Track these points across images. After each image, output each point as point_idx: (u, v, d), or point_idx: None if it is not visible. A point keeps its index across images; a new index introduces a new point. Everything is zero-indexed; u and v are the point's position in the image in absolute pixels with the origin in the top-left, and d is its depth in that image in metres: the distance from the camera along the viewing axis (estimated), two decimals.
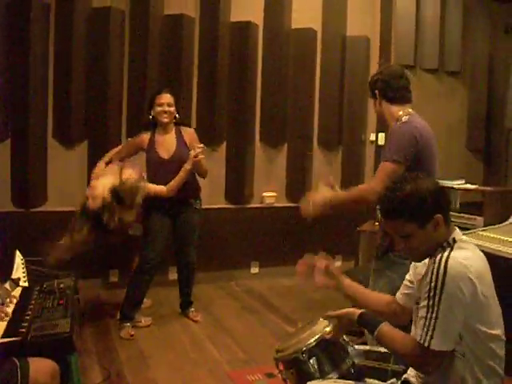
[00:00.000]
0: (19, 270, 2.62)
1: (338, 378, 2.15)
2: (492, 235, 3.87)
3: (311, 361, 2.16)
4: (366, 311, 2.16)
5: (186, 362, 4.00)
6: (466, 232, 3.93)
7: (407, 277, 2.32)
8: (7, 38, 4.99)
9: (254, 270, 6.05)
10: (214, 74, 5.68)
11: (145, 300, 4.71)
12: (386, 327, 2.05)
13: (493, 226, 4.15)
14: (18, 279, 2.53)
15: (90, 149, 5.38)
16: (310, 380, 2.15)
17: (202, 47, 5.70)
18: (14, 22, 5.00)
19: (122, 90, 5.44)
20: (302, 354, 2.17)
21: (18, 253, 2.75)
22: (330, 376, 2.16)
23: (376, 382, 2.19)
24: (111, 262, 5.47)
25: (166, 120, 4.48)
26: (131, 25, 5.44)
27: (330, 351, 2.20)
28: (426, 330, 1.90)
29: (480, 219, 4.41)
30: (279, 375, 2.32)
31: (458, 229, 2.09)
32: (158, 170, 4.47)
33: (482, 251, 2.10)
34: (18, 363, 2.26)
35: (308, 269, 2.49)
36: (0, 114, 5.03)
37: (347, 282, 2.47)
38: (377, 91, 3.15)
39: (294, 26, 6.02)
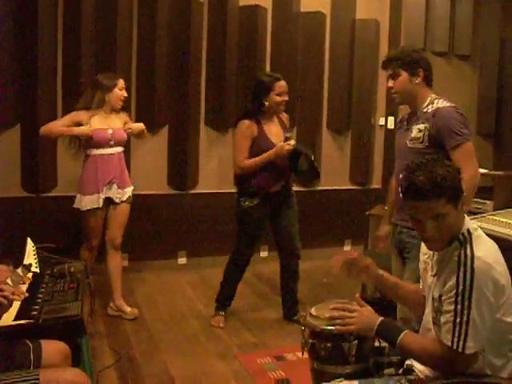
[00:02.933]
0: (30, 255, 2.64)
1: (351, 374, 2.11)
2: (502, 219, 3.85)
3: (354, 343, 2.11)
4: (385, 320, 2.11)
5: (196, 345, 4.03)
6: (476, 216, 3.92)
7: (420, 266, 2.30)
8: (16, 25, 4.99)
9: (264, 254, 6.06)
10: (223, 58, 5.66)
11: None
12: (409, 335, 2.03)
13: (502, 211, 4.14)
14: (30, 265, 2.56)
15: None
16: (340, 361, 2.11)
17: (211, 31, 5.68)
18: (23, 8, 4.99)
19: (130, 75, 5.43)
20: (350, 333, 2.12)
21: (29, 239, 2.77)
22: (350, 367, 2.11)
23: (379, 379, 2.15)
24: (122, 246, 5.48)
25: (283, 109, 4.29)
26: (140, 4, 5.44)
27: (367, 340, 2.16)
28: (457, 334, 1.88)
29: (490, 203, 4.41)
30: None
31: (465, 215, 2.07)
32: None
33: (492, 236, 2.08)
34: (30, 345, 2.28)
35: (343, 262, 2.43)
36: (9, 99, 5.04)
37: (379, 271, 2.39)
38: (421, 70, 3.07)
39: (302, 10, 5.98)
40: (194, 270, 5.58)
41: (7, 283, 2.29)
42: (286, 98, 4.18)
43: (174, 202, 5.64)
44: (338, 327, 2.12)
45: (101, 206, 4.29)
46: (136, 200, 5.45)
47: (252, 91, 4.22)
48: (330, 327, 2.15)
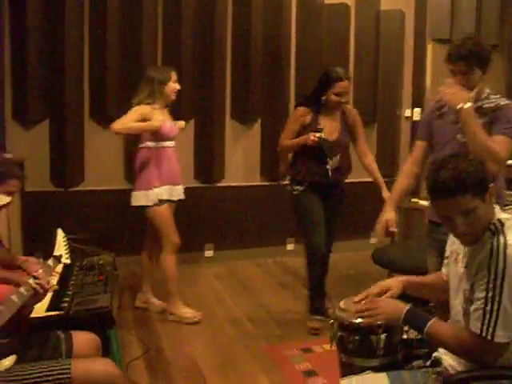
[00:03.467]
0: (61, 247, 2.67)
1: (380, 367, 2.11)
2: None
3: (382, 336, 2.10)
4: (412, 308, 2.09)
5: (223, 337, 4.06)
6: (507, 208, 3.87)
7: (445, 254, 2.29)
8: (44, 21, 5.06)
9: (290, 246, 6.07)
10: (248, 51, 5.68)
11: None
12: (437, 323, 2.01)
13: None
14: (60, 256, 2.60)
15: None
16: (369, 354, 2.11)
17: (235, 24, 5.69)
18: (51, 5, 5.07)
19: None
20: (379, 325, 2.11)
21: (59, 231, 2.81)
22: (378, 360, 2.11)
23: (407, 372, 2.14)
24: None
25: (339, 109, 4.22)
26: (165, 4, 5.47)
27: (396, 332, 2.16)
28: (487, 322, 1.86)
29: None
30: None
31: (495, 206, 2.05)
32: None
33: None
34: (62, 335, 2.34)
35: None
36: (38, 95, 5.12)
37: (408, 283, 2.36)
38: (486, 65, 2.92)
39: (327, 1, 5.95)
40: (221, 262, 5.61)
41: (29, 283, 2.33)
42: (344, 100, 4.12)
43: (201, 195, 5.67)
44: (366, 319, 2.12)
45: (172, 198, 4.31)
46: None
47: (317, 80, 4.20)
48: (358, 320, 2.15)
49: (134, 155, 4.28)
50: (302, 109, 4.19)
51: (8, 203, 3.16)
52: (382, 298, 2.18)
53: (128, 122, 4.07)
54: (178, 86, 4.31)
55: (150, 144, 4.20)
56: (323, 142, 4.04)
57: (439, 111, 3.08)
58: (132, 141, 4.30)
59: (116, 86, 5.34)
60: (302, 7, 5.88)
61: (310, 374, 3.48)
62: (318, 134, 4.02)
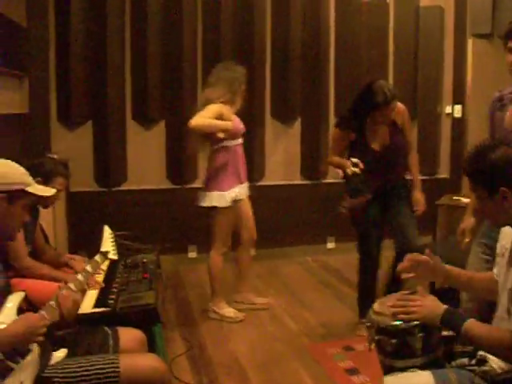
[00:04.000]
0: (108, 243, 2.74)
1: (421, 366, 2.09)
2: None
3: (419, 336, 2.07)
4: (450, 308, 2.06)
5: (265, 335, 4.08)
6: None
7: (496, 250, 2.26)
8: (86, 24, 5.17)
9: (330, 245, 6.06)
10: (287, 49, 5.70)
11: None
12: (474, 323, 1.98)
13: None
14: (107, 252, 2.66)
15: (167, 128, 5.52)
16: (408, 355, 2.09)
17: (274, 23, 5.71)
18: (92, 7, 5.17)
19: (196, 69, 5.53)
20: (415, 326, 2.07)
21: (106, 227, 2.88)
22: (419, 360, 2.09)
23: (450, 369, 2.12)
24: (190, 238, 5.61)
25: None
26: (204, 3, 5.53)
27: (434, 331, 2.13)
28: None
29: None
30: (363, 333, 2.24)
31: None
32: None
33: None
34: (109, 331, 2.39)
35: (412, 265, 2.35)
36: (81, 97, 5.23)
37: (446, 269, 2.30)
38: None
39: None
40: (263, 260, 5.62)
41: (78, 279, 2.39)
42: (391, 118, 3.82)
43: None
44: (401, 316, 2.10)
45: (244, 197, 4.32)
46: None
47: (358, 96, 3.83)
48: (393, 323, 2.14)
49: (211, 155, 4.24)
50: (338, 132, 3.94)
51: (54, 198, 3.25)
52: (419, 297, 2.16)
53: (205, 118, 4.03)
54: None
55: (227, 143, 4.17)
56: (356, 177, 3.83)
57: (500, 102, 3.03)
58: (203, 141, 4.29)
59: (157, 87, 5.42)
60: (341, 5, 5.87)
61: (352, 372, 3.47)
62: (353, 169, 3.80)
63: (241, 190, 4.30)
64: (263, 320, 4.35)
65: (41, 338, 1.98)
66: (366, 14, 5.93)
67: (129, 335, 2.42)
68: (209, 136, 4.15)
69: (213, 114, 4.06)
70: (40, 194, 2.10)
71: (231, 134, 4.15)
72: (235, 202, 4.23)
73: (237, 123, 4.20)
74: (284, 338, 4.01)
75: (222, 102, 4.14)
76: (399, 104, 3.83)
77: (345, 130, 3.87)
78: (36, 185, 2.14)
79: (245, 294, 4.58)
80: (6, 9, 3.88)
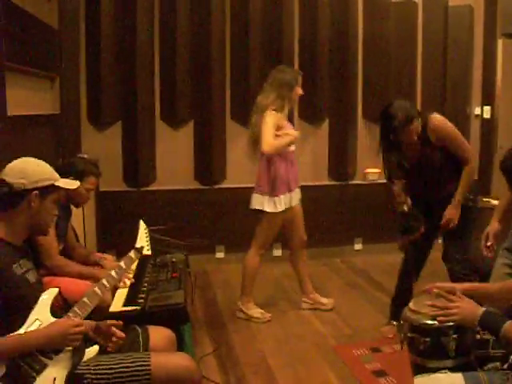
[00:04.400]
0: (143, 238, 2.79)
1: (453, 368, 2.08)
2: None
3: (453, 337, 2.08)
4: (488, 310, 2.06)
5: (292, 335, 4.09)
6: None
7: None
8: (115, 27, 5.25)
9: (358, 246, 6.05)
10: (315, 50, 5.69)
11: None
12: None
13: None
14: (142, 248, 2.71)
15: (195, 129, 5.56)
16: (440, 355, 2.09)
17: (302, 22, 5.71)
18: (122, 10, 5.24)
19: (224, 69, 5.56)
20: (450, 327, 2.09)
21: (141, 222, 2.93)
22: (451, 362, 2.09)
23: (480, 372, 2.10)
24: (218, 238, 5.65)
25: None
26: (232, 4, 5.55)
27: (467, 333, 2.13)
28: None
29: None
30: (391, 335, 2.25)
31: None
32: None
33: None
34: (139, 330, 2.42)
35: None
36: (111, 98, 5.29)
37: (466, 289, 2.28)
38: None
39: None
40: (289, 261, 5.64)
41: (111, 275, 2.43)
42: (413, 139, 3.62)
43: None
44: (440, 318, 2.10)
45: (293, 204, 4.31)
46: (231, 193, 5.60)
47: (380, 117, 3.72)
48: (429, 321, 2.13)
49: (267, 160, 4.21)
50: (384, 154, 3.83)
51: (86, 197, 3.30)
52: (459, 299, 2.15)
53: (273, 140, 4.02)
54: (301, 91, 4.25)
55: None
56: (408, 215, 3.79)
57: None
58: (256, 145, 4.24)
59: (186, 88, 5.47)
60: (369, 5, 5.84)
61: (380, 374, 3.45)
62: (404, 208, 3.79)
63: (292, 197, 4.31)
64: (290, 320, 4.36)
65: (76, 344, 2.03)
66: (394, 14, 5.89)
67: (159, 334, 2.45)
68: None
69: (272, 130, 4.05)
70: (67, 187, 2.19)
71: None
72: (286, 208, 4.25)
73: (289, 130, 4.21)
74: (311, 339, 4.01)
75: (274, 109, 4.12)
76: (433, 120, 3.68)
77: (384, 153, 3.82)
78: (63, 179, 2.21)
79: (310, 295, 4.59)
80: (39, 12, 3.94)
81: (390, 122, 3.55)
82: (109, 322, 2.25)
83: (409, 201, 3.81)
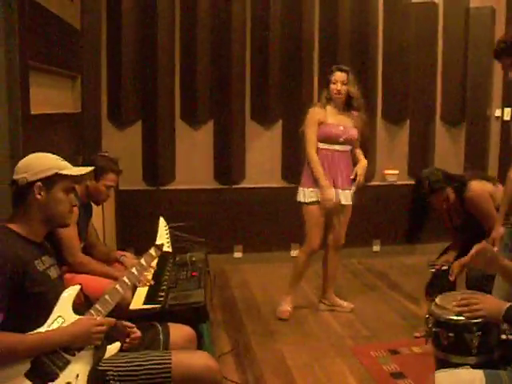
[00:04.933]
0: (163, 235, 2.80)
1: (475, 364, 2.09)
2: None
3: (477, 334, 2.11)
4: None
5: (310, 336, 4.09)
6: None
7: None
8: (137, 27, 5.30)
9: (376, 248, 6.03)
10: (334, 51, 5.69)
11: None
12: None
13: None
14: (162, 245, 2.72)
15: (215, 128, 5.59)
16: (463, 351, 2.10)
17: (322, 22, 5.72)
18: (143, 10, 5.28)
19: (244, 69, 5.58)
20: (474, 324, 2.12)
21: (161, 219, 2.94)
22: (473, 358, 2.09)
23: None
24: (236, 238, 5.66)
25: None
26: (252, 4, 5.57)
27: (492, 332, 2.15)
28: None
29: None
30: (420, 334, 2.27)
31: None
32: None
33: None
34: (159, 327, 2.44)
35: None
36: (131, 98, 5.33)
37: (503, 262, 2.27)
38: None
39: (414, 0, 5.87)
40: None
41: (132, 272, 2.45)
42: (442, 207, 3.84)
43: (287, 195, 5.71)
44: (466, 314, 2.11)
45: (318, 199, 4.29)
46: (250, 193, 5.61)
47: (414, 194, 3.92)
48: (453, 317, 2.16)
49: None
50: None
51: (106, 195, 3.33)
52: (484, 294, 2.17)
53: (314, 138, 4.23)
54: (336, 87, 4.26)
55: (319, 145, 4.27)
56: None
57: None
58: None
59: (206, 88, 5.50)
60: (389, 6, 5.83)
61: (398, 375, 3.44)
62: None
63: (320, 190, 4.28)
64: (308, 321, 4.36)
65: (99, 342, 2.05)
66: (414, 15, 5.88)
67: (179, 331, 2.46)
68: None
69: (312, 133, 4.25)
70: (71, 173, 2.13)
71: (321, 138, 4.25)
72: (315, 201, 4.28)
73: (327, 128, 4.25)
74: (329, 339, 4.01)
75: (320, 106, 4.31)
76: (471, 189, 3.70)
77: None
78: (71, 167, 2.17)
79: (329, 295, 4.61)
80: (62, 12, 3.98)
81: (418, 190, 3.78)
82: (124, 322, 2.27)
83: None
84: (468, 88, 6.11)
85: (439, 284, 3.70)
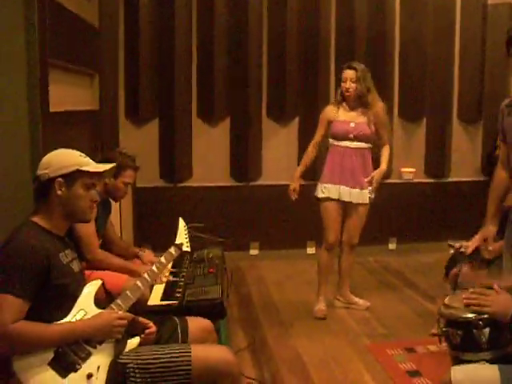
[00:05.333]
0: (182, 235, 2.84)
1: (489, 360, 2.09)
2: None
3: (485, 330, 2.10)
4: None
5: (326, 332, 4.10)
6: None
7: None
8: (154, 26, 5.37)
9: (392, 246, 6.02)
10: (351, 48, 5.69)
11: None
12: None
13: None
14: (181, 244, 2.75)
15: (232, 126, 5.61)
16: (474, 348, 2.10)
17: (338, 18, 5.73)
18: (160, 8, 5.32)
19: (261, 67, 5.60)
20: (480, 320, 2.11)
21: (181, 220, 2.98)
22: (486, 354, 2.10)
23: None
24: (253, 235, 5.68)
25: None
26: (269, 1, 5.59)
27: (501, 327, 2.12)
28: None
29: None
30: (436, 331, 2.28)
31: None
32: None
33: None
34: (177, 321, 2.48)
35: None
36: (148, 95, 5.37)
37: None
38: None
39: None
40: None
41: (153, 270, 2.47)
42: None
43: (304, 192, 5.71)
44: (474, 308, 2.12)
45: (333, 197, 4.31)
46: (266, 190, 5.62)
47: None
48: (461, 315, 2.16)
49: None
50: None
51: (124, 192, 3.36)
52: (494, 292, 2.16)
53: (318, 136, 4.43)
54: (345, 85, 4.28)
55: (331, 141, 4.36)
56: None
57: (508, 108, 2.92)
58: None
59: (222, 86, 5.52)
60: (406, 3, 5.83)
61: (414, 374, 3.44)
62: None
63: (341, 191, 4.31)
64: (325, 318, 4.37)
65: (119, 336, 2.09)
66: (432, 11, 5.85)
67: (198, 324, 2.50)
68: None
69: (321, 126, 4.42)
70: (93, 170, 2.17)
71: (332, 135, 4.32)
72: (328, 198, 4.32)
73: (337, 125, 4.30)
74: (345, 337, 4.02)
75: (332, 104, 4.44)
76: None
77: None
78: (93, 163, 2.20)
79: (345, 292, 4.63)
80: (80, 10, 4.01)
81: None
82: (141, 319, 2.29)
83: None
84: (485, 86, 6.08)
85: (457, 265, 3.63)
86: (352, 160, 4.30)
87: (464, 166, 6.14)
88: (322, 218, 4.41)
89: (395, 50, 5.87)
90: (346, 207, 4.36)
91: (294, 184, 4.42)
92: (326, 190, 4.33)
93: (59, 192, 2.09)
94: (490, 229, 3.03)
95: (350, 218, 4.42)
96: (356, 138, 4.28)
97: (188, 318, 2.52)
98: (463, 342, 2.15)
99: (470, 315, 2.14)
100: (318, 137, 4.41)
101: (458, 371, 2.00)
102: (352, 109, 4.33)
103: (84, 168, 2.14)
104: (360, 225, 4.47)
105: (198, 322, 2.52)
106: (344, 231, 4.49)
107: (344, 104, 4.34)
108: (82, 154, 2.20)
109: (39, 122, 3.04)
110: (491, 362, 2.05)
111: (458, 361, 2.16)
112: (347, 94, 4.28)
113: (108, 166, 2.29)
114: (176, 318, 2.49)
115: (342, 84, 4.29)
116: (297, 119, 5.74)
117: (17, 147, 2.97)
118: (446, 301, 2.31)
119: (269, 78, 5.63)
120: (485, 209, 3.95)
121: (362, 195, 4.34)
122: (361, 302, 4.59)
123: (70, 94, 3.97)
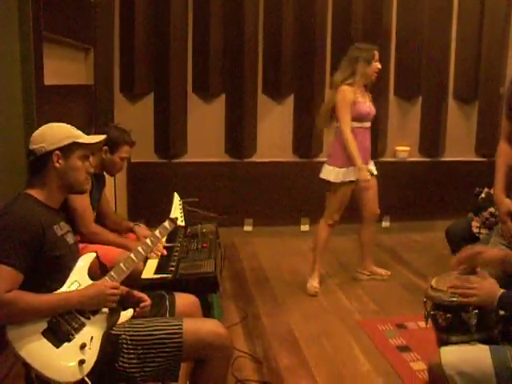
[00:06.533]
0: (177, 210, 2.86)
1: (479, 341, 2.11)
2: None
3: (474, 312, 2.09)
4: (507, 292, 2.05)
5: (318, 309, 4.15)
6: None
7: None
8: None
9: (385, 223, 6.04)
10: (347, 26, 5.65)
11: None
12: None
13: None
14: (176, 219, 2.77)
15: (227, 102, 5.60)
16: (462, 330, 2.12)
17: (335, 4, 5.68)
18: None
19: (257, 44, 5.56)
20: (469, 303, 2.10)
21: (175, 194, 3.01)
22: (473, 336, 2.12)
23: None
24: (247, 212, 5.70)
25: None
26: None
27: (488, 310, 2.12)
28: None
29: None
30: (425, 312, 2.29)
31: None
32: None
33: None
34: (166, 295, 2.52)
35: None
36: (143, 69, 5.34)
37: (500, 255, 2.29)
38: None
39: None
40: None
41: (147, 243, 2.49)
42: None
43: (298, 170, 5.74)
44: (459, 298, 2.12)
45: (352, 179, 4.29)
46: (261, 167, 5.63)
47: None
48: (449, 299, 2.16)
49: (336, 133, 4.31)
50: None
51: (120, 166, 3.37)
52: (478, 279, 2.16)
53: (348, 118, 4.19)
54: (379, 65, 4.31)
55: (353, 124, 4.25)
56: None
57: None
58: (328, 118, 4.38)
59: (218, 62, 5.49)
60: None
61: (404, 349, 3.49)
62: None
63: (354, 171, 4.28)
64: (318, 294, 4.40)
65: (113, 305, 2.12)
66: None
67: (184, 300, 2.54)
68: (335, 115, 4.29)
69: (348, 112, 4.19)
70: (88, 142, 2.19)
71: (355, 117, 4.24)
72: (350, 181, 4.29)
73: (360, 107, 4.26)
74: (337, 313, 4.06)
75: (347, 84, 4.24)
76: None
77: None
78: (85, 136, 2.22)
79: (369, 264, 4.74)
80: None
81: None
82: (136, 292, 2.33)
83: None
84: (481, 65, 6.06)
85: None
86: (367, 138, 4.37)
87: (458, 146, 6.15)
88: (334, 199, 4.37)
89: (392, 28, 5.83)
90: (361, 184, 4.33)
91: (366, 176, 4.26)
92: (347, 174, 4.26)
93: (57, 164, 2.11)
94: (507, 202, 2.90)
95: (367, 191, 4.42)
96: (371, 118, 4.36)
97: (176, 293, 2.56)
98: (451, 324, 2.15)
99: (459, 299, 2.14)
100: (349, 119, 4.21)
101: (448, 352, 2.01)
102: (364, 90, 4.34)
103: (80, 140, 2.16)
104: (377, 194, 4.55)
105: (184, 297, 2.56)
106: (364, 205, 4.54)
107: (356, 85, 4.26)
108: (73, 127, 2.22)
109: (33, 95, 3.04)
110: (478, 342, 2.07)
111: (445, 342, 2.17)
112: (376, 74, 4.32)
113: (101, 137, 2.29)
114: (164, 292, 2.53)
115: (375, 64, 4.27)
116: (292, 96, 5.73)
117: (11, 120, 2.97)
118: (433, 283, 2.29)
119: (264, 55, 5.60)
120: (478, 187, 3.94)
121: (373, 167, 4.49)
122: (383, 271, 4.73)
123: (64, 68, 3.96)
